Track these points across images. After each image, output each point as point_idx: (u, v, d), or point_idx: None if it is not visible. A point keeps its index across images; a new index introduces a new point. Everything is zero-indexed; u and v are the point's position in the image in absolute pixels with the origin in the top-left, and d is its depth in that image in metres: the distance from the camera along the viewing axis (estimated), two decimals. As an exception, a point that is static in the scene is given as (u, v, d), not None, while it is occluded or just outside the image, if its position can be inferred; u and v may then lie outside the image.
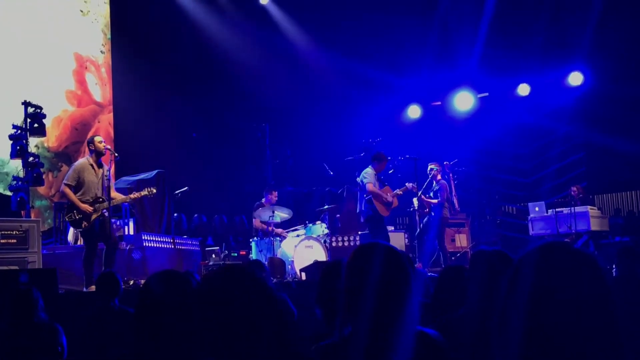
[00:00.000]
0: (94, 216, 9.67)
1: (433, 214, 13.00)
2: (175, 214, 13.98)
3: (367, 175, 12.04)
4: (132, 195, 10.28)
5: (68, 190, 9.75)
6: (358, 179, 12.32)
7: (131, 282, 9.70)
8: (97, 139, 10.13)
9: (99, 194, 9.83)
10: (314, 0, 17.63)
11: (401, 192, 12.48)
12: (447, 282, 4.37)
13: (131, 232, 12.29)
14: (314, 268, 10.74)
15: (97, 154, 9.99)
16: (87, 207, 9.65)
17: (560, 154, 17.18)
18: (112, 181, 10.42)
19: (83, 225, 9.66)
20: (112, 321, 6.02)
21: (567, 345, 1.64)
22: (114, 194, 10.05)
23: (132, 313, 6.02)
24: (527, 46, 16.99)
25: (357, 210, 12.79)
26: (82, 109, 16.15)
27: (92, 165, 9.90)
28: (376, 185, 11.98)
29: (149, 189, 10.36)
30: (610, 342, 1.65)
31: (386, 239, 11.57)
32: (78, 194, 9.73)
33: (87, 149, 10.73)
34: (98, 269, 9.64)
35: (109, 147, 10.42)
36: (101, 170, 9.97)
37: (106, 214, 9.78)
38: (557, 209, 14.25)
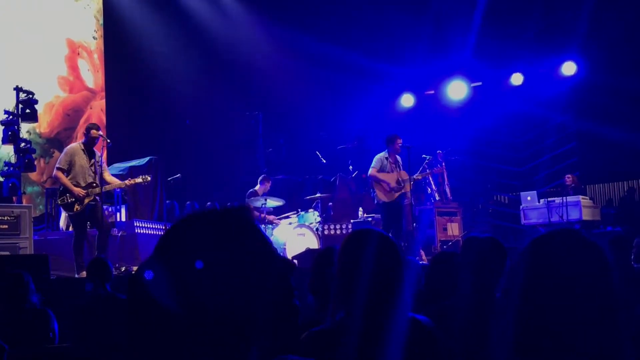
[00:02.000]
0: (86, 200, 9.66)
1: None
2: (167, 201, 13.97)
3: (375, 159, 12.04)
4: (126, 182, 10.29)
5: (60, 174, 9.75)
6: None
7: (123, 269, 9.70)
8: (95, 131, 10.11)
9: (91, 180, 9.83)
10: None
11: (420, 177, 12.46)
12: (439, 269, 4.39)
13: (123, 219, 12.29)
14: (306, 255, 10.76)
15: (90, 141, 9.99)
16: (80, 191, 9.64)
17: (553, 143, 17.21)
18: (105, 166, 10.43)
19: (75, 208, 9.66)
20: (103, 307, 6.02)
21: (566, 331, 1.65)
22: (109, 177, 10.08)
23: (124, 299, 6.04)
24: (521, 35, 17.01)
25: (351, 198, 12.80)
26: (74, 95, 16.08)
27: (83, 150, 9.91)
28: (387, 169, 11.93)
29: (143, 177, 10.37)
30: (609, 330, 1.66)
31: (394, 227, 11.57)
32: (70, 178, 9.73)
33: (79, 135, 10.74)
34: (89, 255, 9.64)
35: (101, 133, 10.40)
36: (93, 156, 9.98)
37: (98, 199, 9.78)
38: (549, 199, 14.30)
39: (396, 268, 2.64)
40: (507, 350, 1.71)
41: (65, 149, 10.16)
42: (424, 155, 13.63)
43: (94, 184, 9.80)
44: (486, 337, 2.49)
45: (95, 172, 9.90)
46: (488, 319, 2.95)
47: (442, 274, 4.27)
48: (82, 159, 9.85)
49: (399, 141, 12.02)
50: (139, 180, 10.30)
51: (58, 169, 9.82)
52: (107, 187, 10.02)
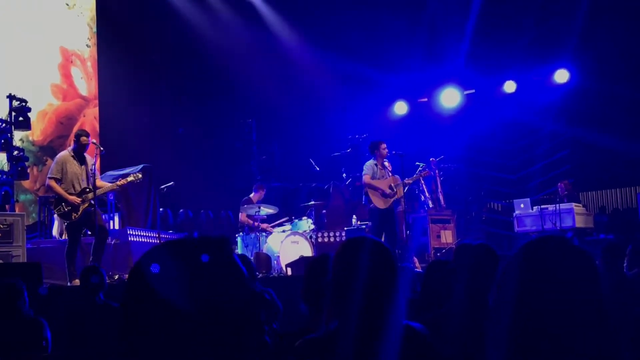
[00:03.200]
0: (82, 207, 9.65)
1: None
2: (160, 209, 13.94)
3: (365, 167, 12.01)
4: (118, 182, 10.28)
5: (54, 184, 9.74)
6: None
7: (116, 277, 9.68)
8: (84, 138, 10.09)
9: (84, 185, 9.83)
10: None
11: (411, 181, 12.41)
12: (434, 278, 4.39)
13: (117, 227, 12.26)
14: (299, 263, 10.75)
15: (80, 147, 10.00)
16: (75, 199, 9.64)
17: (546, 151, 17.24)
18: (98, 174, 10.42)
19: (73, 217, 9.65)
20: (96, 315, 6.00)
21: (560, 333, 1.65)
22: (99, 182, 10.09)
23: (117, 307, 6.02)
24: (514, 43, 17.05)
25: (344, 205, 12.75)
26: (68, 103, 16.06)
27: (73, 157, 9.91)
28: (377, 175, 11.89)
29: (134, 175, 10.43)
30: (603, 332, 1.66)
31: (388, 234, 11.57)
32: (63, 186, 9.73)
33: (72, 143, 10.74)
34: (82, 263, 9.61)
35: (94, 141, 10.39)
36: (84, 162, 9.99)
37: (94, 204, 9.79)
38: (542, 206, 14.31)
39: (390, 275, 2.64)
40: (502, 355, 1.71)
41: (56, 158, 10.16)
42: (417, 163, 13.65)
43: (87, 189, 9.80)
44: (481, 343, 2.49)
45: (87, 177, 9.91)
46: (482, 324, 2.94)
47: (437, 282, 4.27)
48: (73, 166, 9.85)
49: (383, 146, 11.99)
50: (130, 178, 10.33)
51: (51, 178, 9.82)
52: (100, 191, 10.02)
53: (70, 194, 9.71)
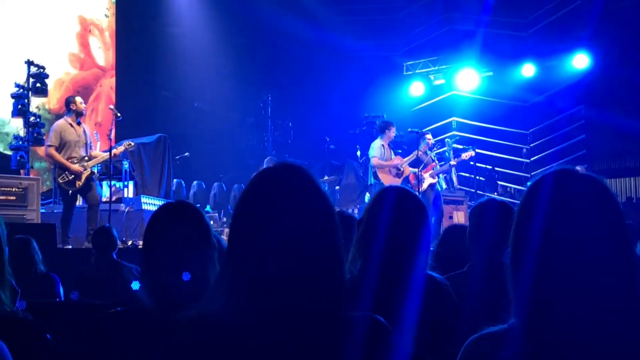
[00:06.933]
0: (84, 175, 9.66)
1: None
2: (175, 180, 13.95)
3: (373, 148, 11.90)
4: (115, 151, 10.16)
5: (54, 152, 9.70)
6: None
7: (129, 243, 9.70)
8: (78, 99, 10.08)
9: (83, 153, 9.82)
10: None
11: (414, 156, 12.26)
12: (450, 240, 4.36)
13: (131, 195, 12.27)
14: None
15: (77, 114, 9.95)
16: (78, 168, 9.63)
17: (562, 135, 17.13)
18: (96, 144, 10.45)
19: (77, 184, 9.66)
20: (108, 273, 6.05)
21: (583, 267, 1.60)
22: (94, 152, 10.09)
23: (129, 266, 6.04)
24: (533, 26, 16.94)
25: (358, 183, 12.71)
26: (85, 72, 16.07)
27: (71, 124, 9.86)
28: (385, 156, 11.81)
29: (127, 143, 10.43)
30: (626, 264, 1.61)
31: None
32: (62, 155, 9.71)
33: (87, 111, 10.73)
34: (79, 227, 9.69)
35: (111, 106, 10.35)
36: (81, 129, 9.96)
37: (94, 172, 9.91)
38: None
39: (419, 225, 2.65)
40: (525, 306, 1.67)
41: (53, 126, 10.08)
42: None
43: (86, 158, 9.81)
44: (503, 301, 2.46)
45: (86, 146, 9.91)
46: (503, 281, 2.90)
47: (454, 244, 4.23)
48: (71, 134, 9.81)
49: (393, 129, 11.93)
50: (122, 148, 10.36)
51: (49, 146, 9.78)
52: (96, 161, 10.03)
53: (71, 162, 9.69)
